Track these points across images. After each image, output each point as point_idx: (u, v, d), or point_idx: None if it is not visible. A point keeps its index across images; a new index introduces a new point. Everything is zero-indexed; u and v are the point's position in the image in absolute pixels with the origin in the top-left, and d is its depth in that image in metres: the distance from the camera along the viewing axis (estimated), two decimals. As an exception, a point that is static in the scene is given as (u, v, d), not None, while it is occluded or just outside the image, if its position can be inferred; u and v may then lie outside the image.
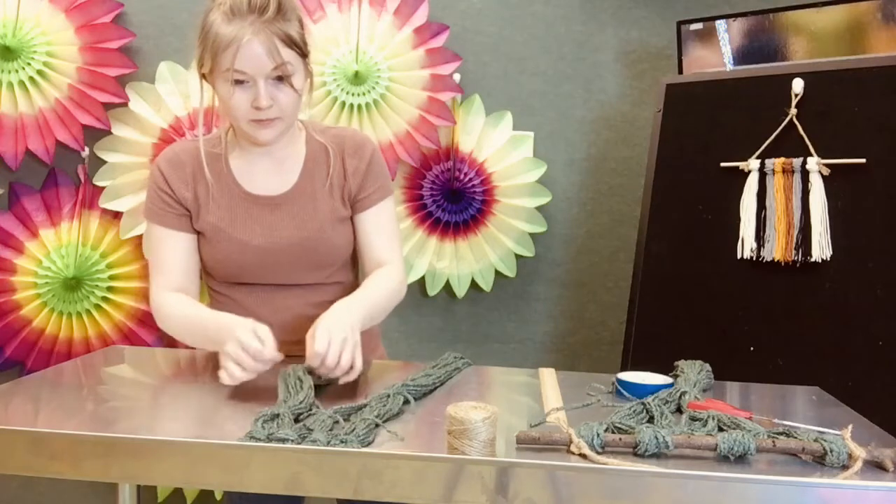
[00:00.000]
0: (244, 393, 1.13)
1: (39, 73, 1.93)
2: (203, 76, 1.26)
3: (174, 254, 1.31)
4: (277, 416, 0.96)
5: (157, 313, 1.29)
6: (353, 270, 1.46)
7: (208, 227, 1.31)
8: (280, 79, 1.20)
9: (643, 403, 1.04)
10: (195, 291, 1.33)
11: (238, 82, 1.19)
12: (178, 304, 1.27)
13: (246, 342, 1.06)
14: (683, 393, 1.10)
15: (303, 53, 1.23)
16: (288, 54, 1.19)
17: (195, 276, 1.34)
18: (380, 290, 1.30)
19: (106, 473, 0.87)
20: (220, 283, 1.37)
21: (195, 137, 1.34)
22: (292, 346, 1.35)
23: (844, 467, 0.86)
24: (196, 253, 1.33)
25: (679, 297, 1.72)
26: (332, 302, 1.31)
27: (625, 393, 1.16)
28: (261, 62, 1.17)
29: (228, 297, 1.36)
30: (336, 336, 1.10)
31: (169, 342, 2.06)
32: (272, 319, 1.33)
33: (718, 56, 1.84)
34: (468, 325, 2.16)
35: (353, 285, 1.45)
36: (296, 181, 1.33)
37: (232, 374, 1.06)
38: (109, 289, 2.02)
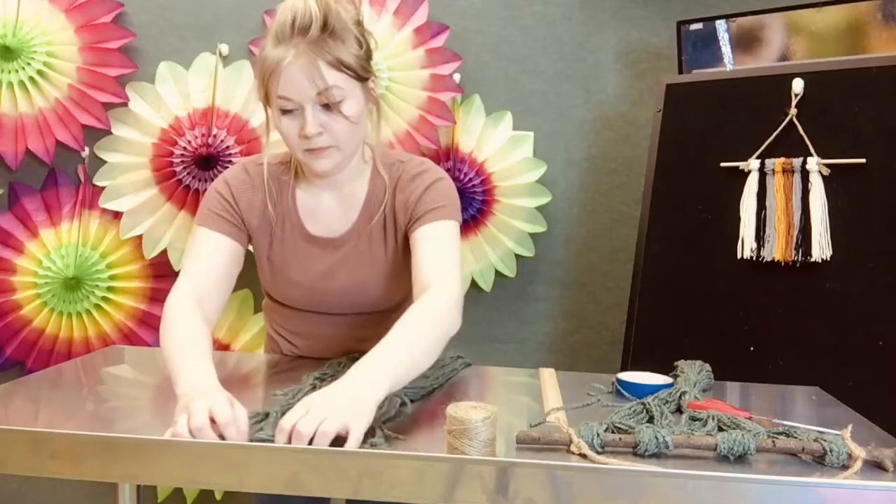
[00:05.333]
0: (245, 394, 1.13)
1: (39, 73, 1.93)
2: (265, 106, 1.19)
3: (213, 255, 1.22)
4: (267, 415, 0.96)
5: (164, 317, 1.12)
6: (406, 300, 1.33)
7: (267, 262, 1.30)
8: (328, 108, 1.12)
9: (643, 403, 1.04)
10: (218, 302, 1.21)
11: (286, 111, 1.13)
12: (183, 327, 1.10)
13: (218, 409, 0.89)
14: (683, 393, 1.10)
15: (358, 77, 1.14)
16: (335, 77, 1.11)
17: (225, 286, 1.22)
18: (410, 343, 1.04)
19: (106, 473, 0.87)
20: (268, 295, 1.39)
21: (262, 164, 1.27)
22: (323, 362, 1.34)
23: (844, 467, 0.86)
24: (236, 265, 1.26)
25: (679, 297, 1.72)
26: (377, 329, 1.12)
27: (625, 393, 1.16)
28: (302, 87, 1.10)
29: (280, 305, 1.37)
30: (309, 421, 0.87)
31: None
32: (314, 333, 1.35)
33: (718, 56, 1.84)
34: (468, 325, 2.13)
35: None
36: (354, 222, 1.27)
37: (179, 431, 0.88)
38: (109, 289, 2.02)
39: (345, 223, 1.28)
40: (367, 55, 1.18)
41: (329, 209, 1.28)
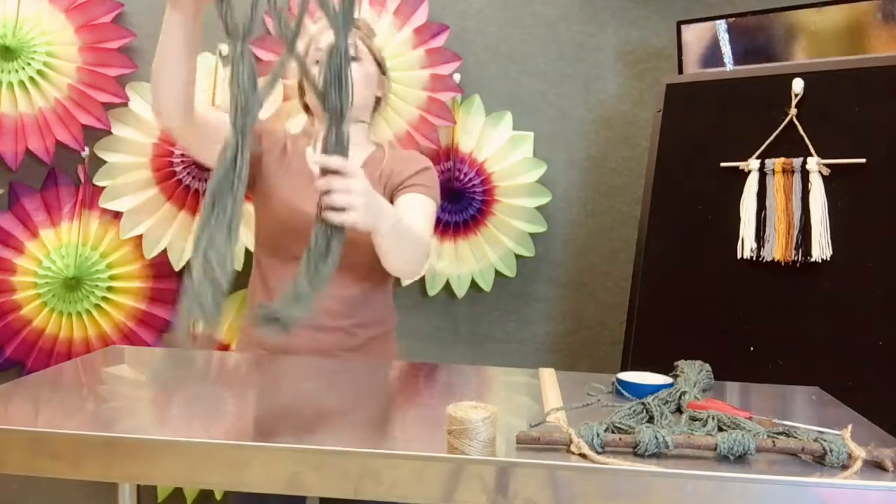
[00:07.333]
0: (245, 392, 1.13)
1: (39, 73, 1.93)
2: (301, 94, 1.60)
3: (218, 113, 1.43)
4: None
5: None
6: (388, 280, 1.54)
7: (270, 192, 1.46)
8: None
9: (643, 403, 1.04)
10: (202, 118, 1.38)
11: (317, 62, 1.43)
12: None
13: None
14: (683, 393, 1.10)
15: (374, 56, 1.51)
16: (357, 41, 1.46)
17: (213, 124, 1.38)
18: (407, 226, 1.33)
19: (106, 473, 0.87)
20: (263, 252, 1.49)
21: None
22: (309, 334, 1.43)
23: (844, 467, 0.86)
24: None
25: (679, 297, 1.72)
26: (358, 297, 1.46)
27: (625, 393, 1.16)
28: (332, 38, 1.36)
29: (266, 267, 1.48)
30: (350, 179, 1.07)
31: (169, 343, 2.07)
32: None
33: (718, 56, 1.84)
34: (468, 325, 2.16)
35: (386, 294, 1.54)
36: None
37: None
38: (109, 289, 2.02)
39: None
40: (380, 62, 1.54)
41: None
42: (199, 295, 0.90)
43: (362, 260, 1.43)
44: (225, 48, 2.00)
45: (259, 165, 1.48)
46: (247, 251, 2.00)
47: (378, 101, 1.58)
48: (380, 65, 1.54)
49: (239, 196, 0.96)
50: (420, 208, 1.45)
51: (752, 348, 1.62)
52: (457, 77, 2.02)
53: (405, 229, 1.31)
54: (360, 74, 1.46)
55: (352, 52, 1.41)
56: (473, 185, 2.06)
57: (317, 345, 1.44)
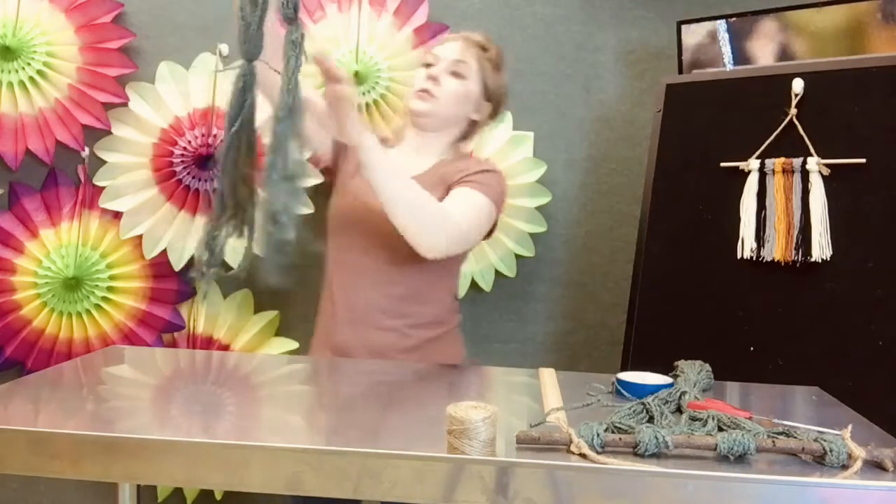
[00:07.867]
0: (245, 392, 1.13)
1: (39, 73, 1.93)
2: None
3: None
4: None
5: None
6: (446, 278, 1.56)
7: (345, 182, 1.54)
8: (455, 74, 1.50)
9: (643, 403, 1.04)
10: None
11: (427, 65, 1.52)
12: None
13: None
14: (683, 393, 1.10)
15: (483, 86, 1.54)
16: (469, 56, 1.51)
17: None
18: (412, 184, 1.33)
19: (106, 473, 0.87)
20: (332, 242, 1.54)
21: None
22: (366, 333, 1.45)
23: (844, 467, 0.86)
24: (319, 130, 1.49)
25: (679, 297, 1.72)
26: (413, 296, 1.47)
27: (625, 393, 1.16)
28: (447, 51, 1.52)
29: (333, 258, 1.52)
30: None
31: (169, 343, 2.07)
32: (355, 282, 1.48)
33: (718, 56, 1.84)
34: (468, 325, 2.15)
35: (445, 293, 1.57)
36: (416, 176, 1.46)
37: None
38: (109, 289, 2.02)
39: (410, 172, 1.46)
40: (490, 90, 1.56)
41: (403, 157, 1.55)
42: (276, 195, 1.09)
43: (417, 255, 1.37)
44: (225, 48, 2.00)
45: (344, 156, 1.57)
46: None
47: (474, 124, 1.59)
48: (488, 92, 1.56)
49: (250, 123, 1.10)
50: (465, 197, 1.41)
51: (752, 348, 1.62)
52: (457, 77, 2.02)
53: (400, 170, 1.32)
54: (459, 89, 1.50)
55: (459, 68, 1.51)
56: (473, 185, 2.06)
57: (373, 345, 1.44)
